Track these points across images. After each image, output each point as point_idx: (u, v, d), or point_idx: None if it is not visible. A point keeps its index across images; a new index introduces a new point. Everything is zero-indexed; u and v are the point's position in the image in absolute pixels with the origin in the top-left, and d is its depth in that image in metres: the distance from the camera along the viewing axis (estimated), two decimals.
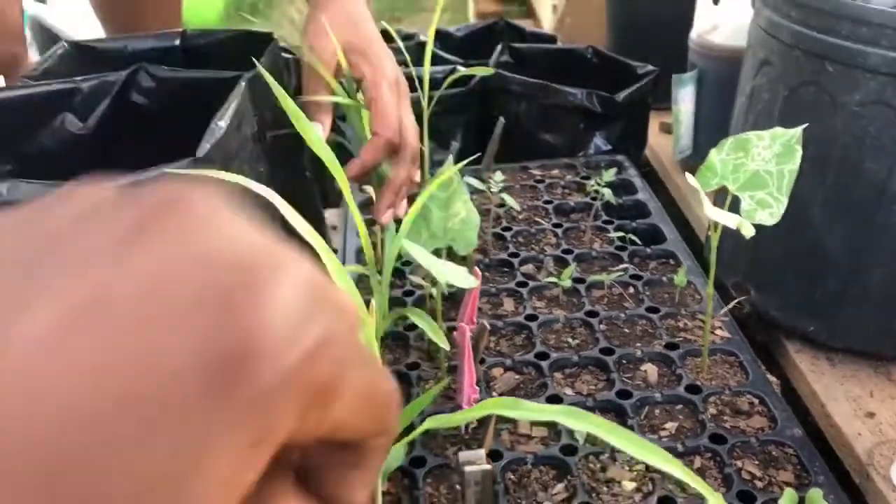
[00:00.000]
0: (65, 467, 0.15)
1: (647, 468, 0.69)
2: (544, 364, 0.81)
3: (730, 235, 0.94)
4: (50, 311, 0.16)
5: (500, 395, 0.77)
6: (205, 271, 0.17)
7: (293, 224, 0.48)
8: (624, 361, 0.82)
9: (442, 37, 1.56)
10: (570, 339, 0.85)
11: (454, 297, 0.92)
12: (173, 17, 1.26)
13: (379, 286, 0.74)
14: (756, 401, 0.76)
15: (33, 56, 0.86)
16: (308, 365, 0.18)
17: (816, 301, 0.86)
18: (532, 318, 0.88)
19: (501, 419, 0.75)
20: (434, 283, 0.85)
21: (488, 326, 0.77)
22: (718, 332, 0.85)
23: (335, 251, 1.11)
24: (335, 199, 1.26)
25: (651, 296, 0.92)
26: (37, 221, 0.18)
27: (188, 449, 0.16)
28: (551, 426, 0.74)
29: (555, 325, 0.87)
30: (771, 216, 0.69)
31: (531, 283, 0.94)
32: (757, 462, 0.70)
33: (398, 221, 0.79)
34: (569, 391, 0.78)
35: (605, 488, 0.68)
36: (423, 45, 1.22)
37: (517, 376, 0.81)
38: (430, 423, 0.51)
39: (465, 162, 0.73)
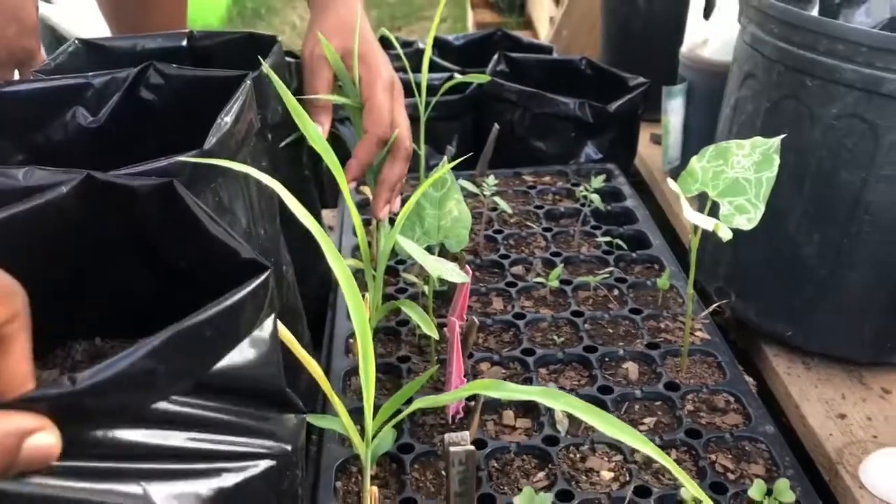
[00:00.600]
0: None
1: (625, 459, 0.72)
2: (530, 360, 0.84)
3: (713, 243, 0.98)
4: None
5: None
6: None
7: (295, 213, 0.51)
8: (606, 359, 0.85)
9: (440, 45, 1.60)
10: (555, 337, 0.88)
11: (445, 296, 0.95)
12: (179, 20, 1.29)
13: (373, 280, 0.78)
14: (732, 399, 0.80)
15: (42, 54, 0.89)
16: None
17: (794, 307, 0.90)
18: (520, 316, 0.92)
19: (486, 410, 0.78)
20: (426, 280, 0.88)
21: (478, 322, 0.81)
22: (699, 333, 0.88)
23: None
24: (331, 202, 1.30)
25: (635, 298, 0.95)
26: None
27: None
28: (535, 418, 0.77)
29: (541, 324, 0.91)
30: (749, 221, 0.72)
31: (520, 284, 0.97)
32: (730, 456, 0.73)
33: (391, 221, 0.83)
34: (553, 386, 0.82)
35: (584, 477, 0.71)
36: (421, 52, 1.25)
37: (503, 371, 0.84)
38: (418, 404, 0.54)
39: (458, 161, 0.76)
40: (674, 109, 1.27)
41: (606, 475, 0.71)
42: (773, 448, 0.73)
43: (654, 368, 0.84)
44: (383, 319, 0.91)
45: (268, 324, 0.46)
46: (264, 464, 0.46)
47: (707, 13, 1.25)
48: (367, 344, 0.52)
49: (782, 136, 0.74)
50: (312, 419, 0.63)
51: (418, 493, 0.69)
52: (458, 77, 1.15)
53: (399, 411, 0.58)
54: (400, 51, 0.92)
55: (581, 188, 1.14)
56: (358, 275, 0.92)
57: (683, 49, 1.27)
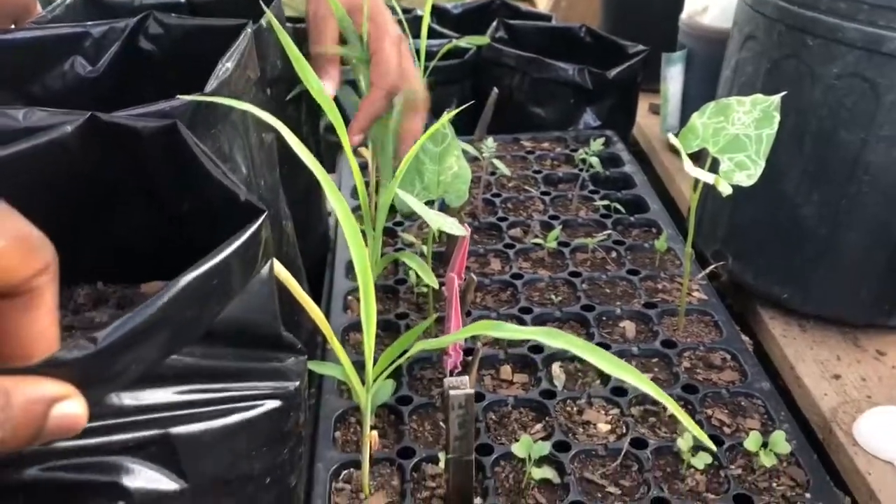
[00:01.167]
0: None
1: (622, 413, 0.73)
2: (527, 318, 0.85)
3: (710, 205, 0.98)
4: None
5: (484, 344, 0.80)
6: None
7: (297, 152, 0.51)
8: (604, 318, 0.85)
9: (438, 13, 1.58)
10: (553, 297, 0.89)
11: (443, 257, 0.95)
12: None
13: (373, 232, 0.78)
14: (728, 357, 0.80)
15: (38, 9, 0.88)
16: None
17: (791, 268, 0.90)
18: (517, 276, 0.92)
19: (484, 366, 0.79)
20: (425, 241, 0.88)
21: (476, 279, 0.81)
22: (696, 294, 0.89)
23: (329, 214, 1.14)
24: (328, 168, 1.29)
25: (632, 260, 0.96)
26: None
27: None
28: (532, 373, 0.78)
29: (539, 284, 0.91)
30: (748, 178, 0.72)
31: (518, 245, 0.98)
32: (727, 411, 0.74)
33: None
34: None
35: (580, 429, 0.71)
36: (419, 18, 1.25)
37: None
38: (420, 346, 0.55)
39: (459, 110, 0.76)
40: (673, 77, 1.27)
41: (603, 427, 0.71)
42: (769, 403, 0.74)
43: (650, 327, 0.84)
44: (381, 277, 0.91)
45: (266, 268, 0.46)
46: (270, 404, 0.46)
47: None
48: (367, 279, 0.52)
49: (783, 93, 0.74)
50: (313, 366, 0.63)
51: (416, 442, 0.70)
52: (458, 41, 1.14)
53: (400, 357, 0.58)
54: (401, 15, 0.92)
55: (580, 153, 1.14)
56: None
57: (683, 16, 1.26)
